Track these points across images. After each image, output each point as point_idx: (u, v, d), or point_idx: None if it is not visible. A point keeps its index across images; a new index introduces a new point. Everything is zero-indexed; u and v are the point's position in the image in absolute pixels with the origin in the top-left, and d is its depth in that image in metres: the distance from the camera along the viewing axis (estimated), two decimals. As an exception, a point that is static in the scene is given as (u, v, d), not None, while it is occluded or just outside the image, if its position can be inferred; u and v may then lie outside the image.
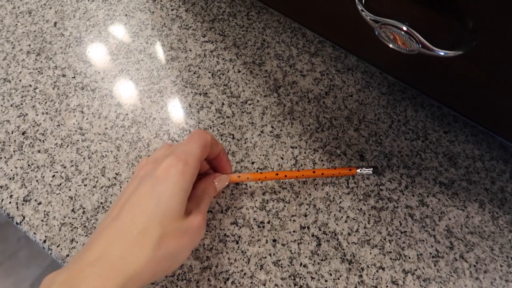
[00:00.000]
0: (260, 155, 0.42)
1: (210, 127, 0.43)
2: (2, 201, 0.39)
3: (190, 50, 0.48)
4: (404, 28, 0.30)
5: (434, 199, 0.40)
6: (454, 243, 0.38)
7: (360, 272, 0.37)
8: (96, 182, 0.40)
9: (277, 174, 0.37)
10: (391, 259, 0.37)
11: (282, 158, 0.42)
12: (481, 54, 0.32)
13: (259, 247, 0.38)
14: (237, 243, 0.38)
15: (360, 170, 0.40)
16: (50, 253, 0.37)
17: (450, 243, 0.38)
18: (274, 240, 0.38)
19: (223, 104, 0.45)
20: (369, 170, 0.40)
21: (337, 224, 0.39)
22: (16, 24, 0.50)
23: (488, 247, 0.38)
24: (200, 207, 0.31)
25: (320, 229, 0.39)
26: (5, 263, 1.26)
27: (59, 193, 0.40)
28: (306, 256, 0.37)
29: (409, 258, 0.38)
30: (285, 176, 0.37)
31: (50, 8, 0.51)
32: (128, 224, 0.28)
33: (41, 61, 0.47)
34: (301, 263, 0.37)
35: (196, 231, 0.29)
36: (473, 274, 0.37)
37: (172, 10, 0.52)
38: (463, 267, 0.37)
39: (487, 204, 0.40)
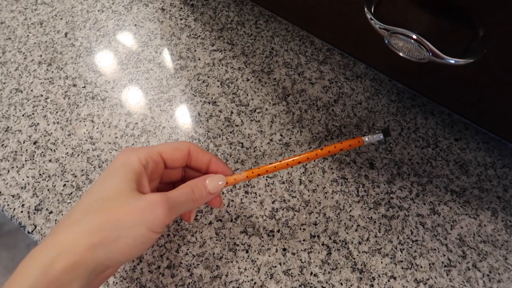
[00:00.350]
0: (270, 163, 0.42)
1: (219, 136, 0.44)
2: (14, 210, 0.40)
3: (199, 59, 0.49)
4: (414, 37, 0.30)
5: (446, 207, 0.40)
6: (466, 252, 0.38)
7: (371, 281, 0.36)
8: (107, 191, 0.40)
9: (275, 167, 0.34)
10: (402, 268, 0.37)
11: (291, 167, 0.42)
12: (492, 61, 0.31)
13: (269, 256, 0.37)
14: (247, 252, 0.38)
15: (368, 138, 0.33)
16: (61, 262, 0.38)
17: (462, 252, 0.38)
18: (284, 249, 0.38)
19: (232, 112, 0.45)
20: (378, 136, 0.33)
21: (347, 233, 0.39)
22: (28, 35, 0.50)
23: (501, 256, 0.38)
24: (167, 192, 0.28)
25: (330, 238, 0.38)
26: (14, 270, 1.27)
27: (70, 202, 0.40)
28: (317, 265, 0.37)
29: (421, 267, 0.37)
30: (287, 164, 0.33)
31: (61, 19, 0.52)
32: (72, 211, 0.27)
33: (52, 71, 0.48)
34: (311, 272, 0.37)
35: (147, 206, 0.27)
36: (487, 283, 0.37)
37: (181, 19, 0.52)
38: (476, 277, 0.37)
39: (499, 213, 0.40)
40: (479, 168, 0.42)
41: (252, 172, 0.33)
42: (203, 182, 0.31)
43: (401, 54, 0.33)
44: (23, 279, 0.24)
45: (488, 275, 0.37)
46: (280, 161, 0.34)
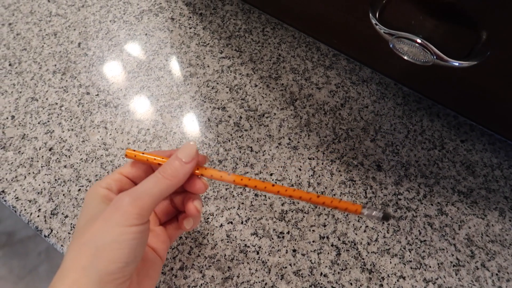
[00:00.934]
0: (278, 167, 0.43)
1: (229, 140, 0.45)
2: (31, 214, 0.41)
3: (208, 66, 0.50)
4: (419, 41, 0.31)
5: (453, 208, 0.41)
6: (475, 251, 0.38)
7: (380, 281, 0.37)
8: (120, 195, 0.42)
9: (273, 186, 0.29)
10: (411, 268, 0.38)
11: (300, 169, 0.43)
12: (495, 63, 0.32)
13: (279, 257, 0.38)
14: (258, 253, 0.38)
15: (366, 211, 0.28)
16: (77, 265, 0.39)
17: (471, 252, 0.38)
18: (294, 250, 0.39)
19: (241, 117, 0.46)
20: (378, 213, 0.28)
21: (356, 234, 0.39)
22: (43, 46, 0.52)
23: (510, 256, 0.38)
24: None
25: (339, 239, 0.39)
26: (26, 278, 1.29)
27: (85, 206, 0.41)
28: (326, 266, 0.38)
29: (430, 267, 0.38)
30: (278, 192, 0.29)
31: (74, 29, 0.54)
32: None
33: (66, 80, 0.49)
34: (321, 273, 0.37)
35: (111, 206, 0.27)
36: (496, 283, 0.37)
37: (190, 28, 0.53)
38: (485, 276, 0.37)
39: (507, 212, 0.40)
40: (486, 169, 0.43)
41: (241, 180, 0.30)
42: (175, 156, 0.29)
43: (405, 57, 0.34)
44: None
45: (497, 274, 0.37)
46: (273, 185, 0.30)
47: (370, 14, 0.34)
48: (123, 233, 0.26)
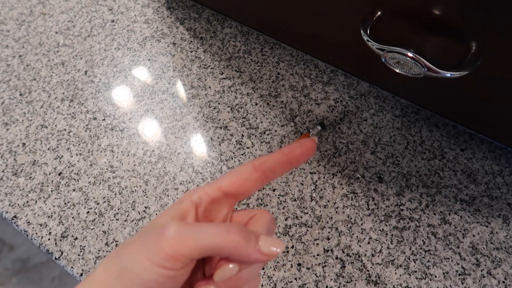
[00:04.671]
0: (281, 182, 0.44)
1: (232, 158, 0.46)
2: (42, 238, 0.42)
3: (210, 87, 0.52)
4: (410, 54, 0.32)
5: (456, 217, 0.41)
6: (480, 259, 0.38)
7: (386, 293, 0.37)
8: (127, 216, 0.43)
9: None
10: (417, 278, 0.38)
11: (302, 184, 0.43)
12: (486, 72, 0.33)
13: (284, 271, 0.39)
14: (263, 268, 0.39)
15: (312, 131, 0.47)
16: (87, 286, 0.40)
17: (476, 260, 0.38)
18: (299, 264, 0.39)
19: (242, 135, 0.47)
20: (318, 127, 0.47)
21: (360, 246, 0.40)
22: (51, 75, 0.54)
23: (516, 263, 0.38)
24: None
25: (343, 252, 0.39)
26: (40, 304, 1.29)
27: (94, 228, 0.42)
28: (332, 279, 0.38)
29: (435, 276, 0.38)
30: None
31: (81, 58, 0.56)
32: None
33: (74, 107, 0.51)
34: (326, 286, 0.38)
35: (156, 232, 0.23)
36: (503, 290, 0.37)
37: (191, 52, 0.55)
38: (491, 284, 0.37)
39: (511, 219, 0.40)
40: (487, 177, 0.43)
41: None
42: (257, 235, 0.22)
43: (397, 70, 0.35)
44: None
45: (503, 281, 0.37)
46: None
47: (362, 31, 0.35)
48: (147, 270, 0.21)
